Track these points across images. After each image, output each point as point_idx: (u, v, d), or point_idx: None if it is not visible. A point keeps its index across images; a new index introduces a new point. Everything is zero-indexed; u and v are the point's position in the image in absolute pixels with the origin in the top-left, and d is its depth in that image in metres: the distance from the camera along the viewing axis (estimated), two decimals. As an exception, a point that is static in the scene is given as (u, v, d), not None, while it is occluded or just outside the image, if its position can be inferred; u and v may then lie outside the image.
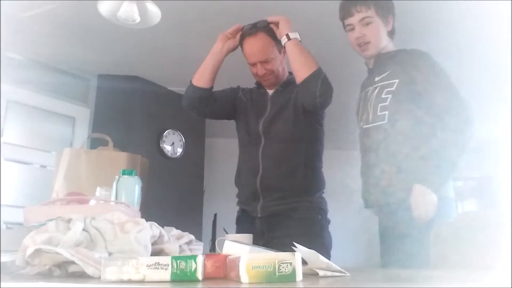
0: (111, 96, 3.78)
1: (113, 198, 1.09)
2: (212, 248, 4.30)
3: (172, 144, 4.10)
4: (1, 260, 0.70)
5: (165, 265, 0.57)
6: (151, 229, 0.79)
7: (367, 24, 1.54)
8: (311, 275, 0.69)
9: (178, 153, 4.14)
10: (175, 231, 0.93)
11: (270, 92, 1.83)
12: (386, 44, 1.61)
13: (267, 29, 1.81)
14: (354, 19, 1.54)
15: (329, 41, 3.32)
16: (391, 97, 1.52)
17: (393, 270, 1.11)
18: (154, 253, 0.79)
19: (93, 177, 1.29)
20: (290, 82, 1.81)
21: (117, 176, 1.11)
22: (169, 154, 4.05)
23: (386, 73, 1.55)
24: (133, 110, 3.85)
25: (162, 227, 0.86)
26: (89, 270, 0.63)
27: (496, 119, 4.96)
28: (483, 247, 1.04)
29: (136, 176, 1.13)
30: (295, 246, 0.75)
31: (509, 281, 0.50)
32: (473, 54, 3.45)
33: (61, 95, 3.63)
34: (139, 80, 3.86)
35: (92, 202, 1.05)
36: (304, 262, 0.68)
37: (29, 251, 0.66)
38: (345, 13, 1.57)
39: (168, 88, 4.09)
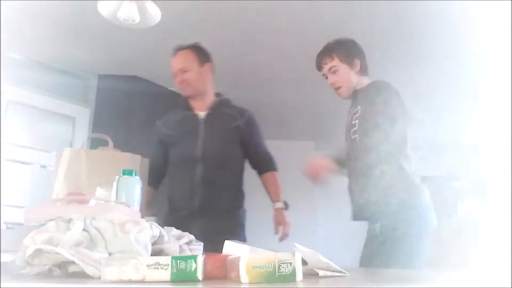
0: (111, 96, 3.78)
1: (113, 198, 1.08)
2: (212, 248, 4.30)
3: (172, 144, 4.10)
4: (1, 260, 0.70)
5: (165, 265, 0.57)
6: (151, 229, 0.79)
7: (334, 72, 1.79)
8: (311, 275, 0.69)
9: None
10: (175, 231, 0.93)
11: (200, 113, 2.01)
12: (359, 82, 1.82)
13: (194, 47, 2.08)
14: (324, 70, 1.81)
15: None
16: (358, 122, 1.74)
17: (393, 270, 1.11)
18: (154, 253, 0.78)
19: (93, 177, 1.29)
20: (220, 104, 2.06)
21: (117, 176, 1.11)
22: (169, 154, 4.05)
23: (357, 107, 1.76)
24: (133, 110, 3.85)
25: (162, 227, 0.86)
26: (89, 270, 0.63)
27: (496, 119, 4.97)
28: (483, 247, 1.04)
29: (136, 176, 1.13)
30: (295, 246, 0.75)
31: (509, 281, 0.50)
32: (473, 54, 3.45)
33: (61, 95, 3.63)
34: (139, 80, 3.86)
35: (92, 202, 1.05)
36: (304, 262, 0.68)
37: (29, 251, 0.66)
38: (317, 67, 1.84)
39: (168, 88, 4.08)
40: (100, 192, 1.14)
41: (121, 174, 1.11)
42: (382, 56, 3.52)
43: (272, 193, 2.25)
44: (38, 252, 0.66)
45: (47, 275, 0.67)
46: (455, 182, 5.93)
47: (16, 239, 0.72)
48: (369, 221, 1.76)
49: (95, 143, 1.59)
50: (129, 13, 2.28)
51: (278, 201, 2.19)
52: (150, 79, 3.92)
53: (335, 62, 1.79)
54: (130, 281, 0.57)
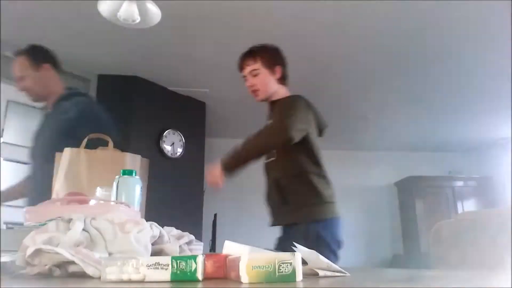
0: (111, 96, 3.78)
1: (113, 198, 1.08)
2: (212, 248, 4.30)
3: (172, 144, 4.10)
4: (1, 260, 0.70)
5: (165, 265, 0.57)
6: (151, 229, 0.79)
7: (255, 75, 1.84)
8: (311, 275, 0.69)
9: (178, 153, 4.14)
10: (175, 231, 0.93)
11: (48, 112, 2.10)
12: (276, 90, 1.88)
13: (27, 51, 2.08)
14: (245, 71, 1.87)
15: (329, 41, 3.32)
16: None
17: (393, 270, 1.11)
18: (154, 253, 0.79)
19: (93, 177, 1.29)
20: (60, 99, 2.04)
21: (117, 176, 1.11)
22: (169, 154, 4.05)
23: (271, 117, 1.84)
24: (133, 110, 3.85)
25: (162, 227, 0.86)
26: (89, 270, 0.63)
27: (496, 119, 4.97)
28: (483, 247, 1.04)
29: (136, 176, 1.13)
30: (295, 246, 0.75)
31: (509, 281, 0.50)
32: (473, 54, 3.45)
33: (61, 95, 3.63)
34: (139, 80, 3.86)
35: (92, 202, 1.05)
36: (304, 262, 0.68)
37: (29, 251, 0.66)
38: (239, 67, 1.90)
39: (168, 88, 4.09)
40: (100, 192, 1.14)
41: (121, 174, 1.11)
42: (382, 57, 3.53)
43: None
44: (38, 252, 0.66)
45: (47, 275, 0.67)
46: (455, 182, 5.93)
47: (16, 239, 0.72)
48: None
49: (95, 143, 1.59)
50: (129, 13, 2.28)
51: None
52: (150, 79, 3.92)
53: (257, 66, 1.83)
54: (130, 281, 0.57)
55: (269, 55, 1.87)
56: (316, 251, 0.70)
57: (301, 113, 1.74)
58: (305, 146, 1.79)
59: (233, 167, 1.72)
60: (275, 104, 1.87)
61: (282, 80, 1.90)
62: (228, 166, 1.71)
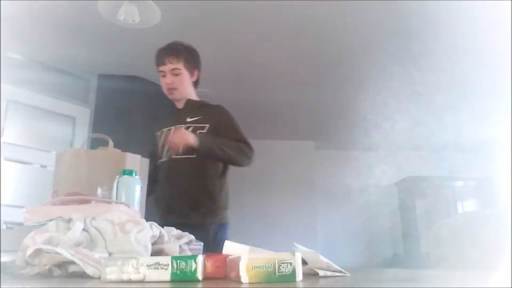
0: (111, 96, 3.78)
1: (113, 198, 1.08)
2: (212, 248, 4.29)
3: (172, 144, 4.09)
4: (1, 260, 0.70)
5: (165, 265, 0.57)
6: (151, 229, 0.79)
7: (176, 74, 1.86)
8: (311, 275, 0.69)
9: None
10: (175, 231, 0.93)
11: None
12: (190, 92, 1.96)
13: None
14: (166, 68, 1.86)
15: (329, 41, 3.32)
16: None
17: (393, 270, 1.11)
18: (154, 253, 0.79)
19: (93, 177, 1.28)
20: None
21: (117, 176, 1.11)
22: (169, 154, 4.05)
23: (198, 117, 1.88)
24: (133, 110, 3.85)
25: (162, 227, 0.86)
26: (89, 270, 0.63)
27: (496, 119, 4.97)
28: (483, 247, 1.04)
29: (136, 176, 1.13)
30: (295, 246, 0.75)
31: (509, 281, 0.50)
32: (473, 54, 3.45)
33: (61, 95, 3.63)
34: (139, 80, 3.86)
35: (92, 202, 1.05)
36: (304, 262, 0.68)
37: (29, 251, 0.66)
38: (158, 61, 1.88)
39: (168, 88, 4.09)
40: (100, 192, 1.14)
41: (121, 174, 1.11)
42: (382, 56, 3.52)
43: None
44: (38, 252, 0.66)
45: (47, 275, 0.67)
46: (455, 182, 5.93)
47: (16, 239, 0.72)
48: None
49: (95, 143, 1.59)
50: (129, 13, 2.28)
51: None
52: (150, 79, 3.92)
53: (180, 66, 1.86)
54: (130, 281, 0.57)
55: (192, 58, 1.92)
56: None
57: None
58: None
59: (206, 149, 1.76)
60: (198, 107, 1.93)
61: (196, 83, 1.98)
62: (203, 145, 1.73)
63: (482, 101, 4.43)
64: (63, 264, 0.67)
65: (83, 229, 0.74)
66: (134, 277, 0.57)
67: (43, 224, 0.77)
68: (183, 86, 1.91)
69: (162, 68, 1.87)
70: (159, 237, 0.81)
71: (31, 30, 3.08)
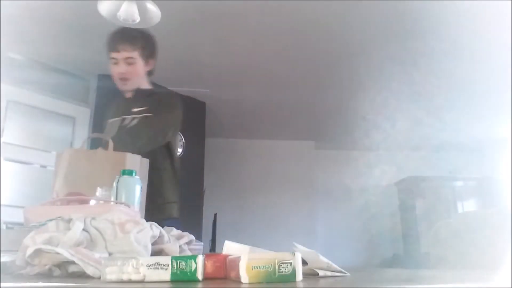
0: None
1: (113, 198, 1.08)
2: (212, 248, 4.30)
3: (172, 144, 4.10)
4: (1, 260, 0.70)
5: (165, 265, 0.57)
6: (151, 229, 0.79)
7: (130, 64, 1.70)
8: (311, 275, 0.69)
9: (178, 153, 4.13)
10: (175, 231, 0.93)
11: None
12: (142, 81, 1.82)
13: None
14: (119, 55, 1.68)
15: (329, 41, 3.32)
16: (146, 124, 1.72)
17: (393, 270, 1.11)
18: (154, 253, 0.79)
19: (93, 177, 1.28)
20: None
21: (117, 176, 1.11)
22: (169, 154, 4.05)
23: (143, 108, 1.74)
24: (133, 110, 3.84)
25: (162, 227, 0.86)
26: (89, 270, 0.63)
27: (496, 119, 4.97)
28: (483, 247, 1.04)
29: (136, 176, 1.13)
30: (295, 246, 0.75)
31: (509, 281, 0.50)
32: (473, 54, 3.45)
33: (61, 95, 3.63)
34: (139, 80, 3.86)
35: (92, 202, 1.05)
36: (304, 262, 0.68)
37: (29, 251, 0.66)
38: (111, 47, 1.69)
39: (168, 88, 4.09)
40: (100, 192, 1.14)
41: (121, 174, 1.11)
42: (382, 56, 3.52)
43: None
44: (38, 252, 0.66)
45: (47, 275, 0.67)
46: (455, 182, 5.93)
47: (16, 239, 0.72)
48: None
49: (95, 143, 1.59)
50: (129, 13, 2.28)
51: None
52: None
53: (135, 55, 1.69)
54: (130, 281, 0.57)
55: (148, 46, 1.75)
56: None
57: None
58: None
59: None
60: (146, 96, 1.80)
61: (150, 72, 1.82)
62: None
63: (482, 101, 4.43)
64: (63, 264, 0.67)
65: (83, 229, 0.74)
66: (134, 277, 0.57)
67: (43, 224, 0.77)
68: (137, 77, 1.76)
69: (114, 55, 1.68)
70: (159, 237, 0.81)
71: (31, 30, 3.08)
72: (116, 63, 1.70)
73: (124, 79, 1.73)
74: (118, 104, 1.85)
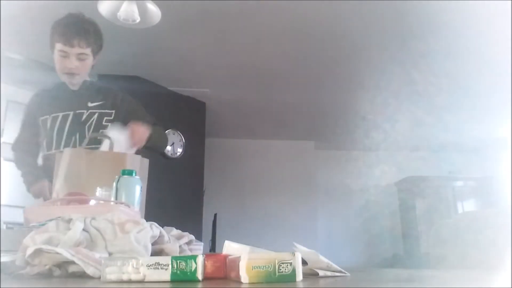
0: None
1: (113, 198, 1.08)
2: (212, 248, 4.30)
3: (172, 144, 4.10)
4: (1, 260, 0.70)
5: (165, 265, 0.57)
6: (151, 229, 0.79)
7: (82, 59, 1.65)
8: (311, 275, 0.69)
9: (178, 153, 4.14)
10: (175, 231, 0.93)
11: None
12: (86, 75, 1.78)
13: None
14: (72, 50, 1.62)
15: (329, 41, 3.32)
16: (110, 125, 1.71)
17: (393, 270, 1.11)
18: (154, 253, 0.79)
19: (93, 177, 1.28)
20: None
21: (117, 176, 1.11)
22: (169, 154, 4.05)
23: (100, 103, 1.76)
24: (133, 110, 3.84)
25: (162, 227, 0.86)
26: (90, 270, 0.63)
27: (496, 119, 4.97)
28: (483, 247, 1.04)
29: (136, 176, 1.13)
30: (295, 246, 0.75)
31: (509, 281, 0.50)
32: (473, 54, 3.45)
33: (61, 95, 3.63)
34: (139, 80, 3.86)
35: (92, 202, 1.05)
36: (304, 262, 0.68)
37: (29, 251, 0.66)
38: (63, 40, 1.61)
39: (168, 88, 4.09)
40: (100, 192, 1.14)
41: (121, 174, 1.11)
42: (382, 56, 3.52)
43: None
44: (38, 252, 0.66)
45: (47, 275, 0.67)
46: (455, 182, 5.93)
47: (16, 239, 0.72)
48: None
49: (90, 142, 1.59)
50: (129, 13, 2.28)
51: None
52: (150, 79, 3.92)
53: (88, 51, 1.65)
54: (130, 281, 0.57)
55: (99, 41, 1.71)
56: None
57: None
58: None
59: (154, 141, 1.72)
60: (96, 90, 1.78)
61: (93, 67, 1.77)
62: (152, 137, 1.67)
63: (482, 101, 4.43)
64: (63, 264, 0.67)
65: (83, 229, 0.74)
66: (134, 277, 0.57)
67: (43, 224, 0.77)
68: (85, 72, 1.72)
69: (66, 49, 1.61)
70: (159, 237, 0.81)
71: (31, 30, 3.08)
72: (65, 57, 1.63)
73: (72, 74, 1.67)
74: (63, 97, 1.76)
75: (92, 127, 1.71)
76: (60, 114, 1.72)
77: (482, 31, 3.08)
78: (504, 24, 2.86)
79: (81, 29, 1.65)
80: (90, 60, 1.69)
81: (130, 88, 3.86)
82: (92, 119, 1.72)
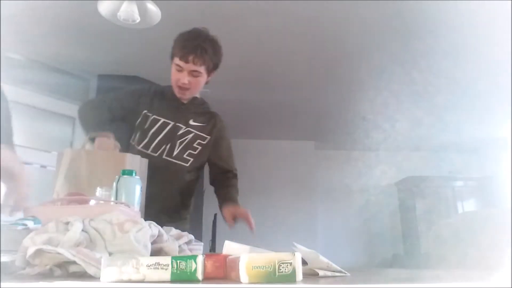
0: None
1: (113, 198, 1.08)
2: (212, 248, 4.30)
3: (172, 144, 4.09)
4: (1, 260, 0.70)
5: (165, 265, 0.57)
6: (150, 228, 0.79)
7: (195, 76, 1.67)
8: (311, 275, 0.69)
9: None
10: (174, 231, 0.93)
11: None
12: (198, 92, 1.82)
13: None
14: (186, 66, 1.64)
15: (329, 41, 3.32)
16: (200, 149, 1.77)
17: (393, 270, 1.11)
18: (154, 252, 0.79)
19: (93, 177, 1.28)
20: None
21: (117, 176, 1.11)
22: (169, 154, 4.05)
23: (201, 124, 1.79)
24: (133, 110, 3.84)
25: (161, 227, 0.86)
26: (91, 270, 0.63)
27: (496, 119, 4.97)
28: (483, 247, 1.04)
29: (136, 176, 1.13)
30: (295, 246, 0.75)
31: (509, 281, 0.50)
32: (473, 54, 3.45)
33: (61, 95, 3.63)
34: (139, 80, 3.86)
35: (92, 202, 1.05)
36: (304, 262, 0.68)
37: (30, 251, 0.66)
38: (181, 55, 1.63)
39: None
40: (100, 192, 1.14)
41: (121, 174, 1.11)
42: (382, 56, 3.52)
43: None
44: (39, 252, 0.66)
45: (48, 275, 0.67)
46: (455, 182, 5.93)
47: (16, 239, 0.72)
48: None
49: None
50: (129, 13, 2.28)
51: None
52: (150, 79, 3.91)
53: (202, 70, 1.65)
54: (130, 281, 0.57)
55: (216, 61, 1.70)
56: None
57: None
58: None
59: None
60: (202, 110, 1.83)
61: (207, 83, 1.78)
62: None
63: (482, 101, 4.43)
64: (63, 264, 0.67)
65: (82, 230, 0.74)
66: (134, 277, 0.57)
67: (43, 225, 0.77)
68: (197, 89, 1.74)
69: (181, 64, 1.63)
70: (158, 236, 0.81)
71: (31, 30, 3.08)
72: (180, 71, 1.66)
73: (184, 88, 1.70)
74: (171, 106, 1.78)
75: (184, 144, 1.74)
76: (162, 120, 1.74)
77: (482, 31, 3.08)
78: (504, 24, 2.86)
79: (198, 46, 1.63)
80: (203, 78, 1.69)
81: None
82: (187, 136, 1.75)
